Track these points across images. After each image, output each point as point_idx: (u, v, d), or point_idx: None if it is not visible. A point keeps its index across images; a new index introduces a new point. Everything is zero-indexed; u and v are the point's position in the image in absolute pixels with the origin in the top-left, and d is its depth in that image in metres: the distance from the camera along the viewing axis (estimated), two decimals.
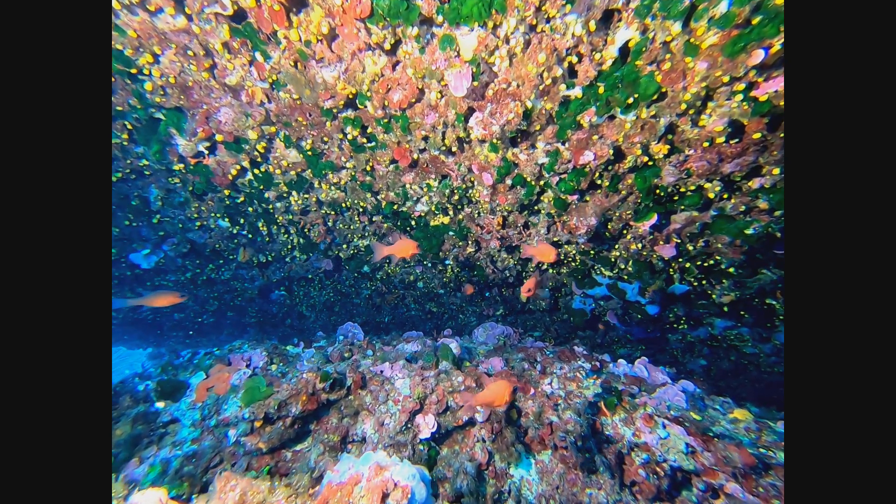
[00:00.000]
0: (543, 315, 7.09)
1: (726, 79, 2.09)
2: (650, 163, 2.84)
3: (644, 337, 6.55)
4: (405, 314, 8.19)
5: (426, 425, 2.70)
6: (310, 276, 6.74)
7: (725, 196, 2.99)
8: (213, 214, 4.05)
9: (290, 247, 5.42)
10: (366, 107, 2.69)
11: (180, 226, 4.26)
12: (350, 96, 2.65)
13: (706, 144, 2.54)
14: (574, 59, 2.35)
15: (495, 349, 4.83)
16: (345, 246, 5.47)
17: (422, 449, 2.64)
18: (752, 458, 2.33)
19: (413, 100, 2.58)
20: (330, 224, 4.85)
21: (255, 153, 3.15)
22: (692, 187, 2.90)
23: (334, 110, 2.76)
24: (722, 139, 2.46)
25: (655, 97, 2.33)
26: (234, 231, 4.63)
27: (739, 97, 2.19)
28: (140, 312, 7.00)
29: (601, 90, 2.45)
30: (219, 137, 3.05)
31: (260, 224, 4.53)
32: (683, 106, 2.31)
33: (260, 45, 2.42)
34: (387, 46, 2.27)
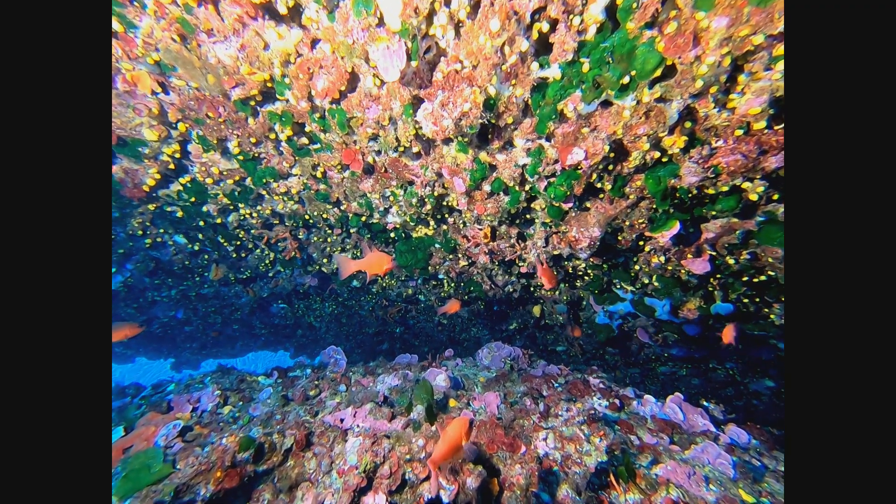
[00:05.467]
0: (564, 329, 6.57)
1: (758, 39, 1.52)
2: (664, 159, 2.29)
3: (688, 355, 5.84)
4: (416, 325, 8.01)
5: None
6: (301, 291, 6.60)
7: (775, 197, 2.38)
8: (161, 231, 3.84)
9: (268, 262, 5.22)
10: (287, 98, 2.30)
11: (130, 244, 4.10)
12: (267, 84, 2.27)
13: (739, 132, 1.96)
14: (544, 26, 1.85)
15: (496, 378, 4.36)
16: (325, 260, 5.19)
17: None
18: None
19: (343, 87, 2.16)
20: (301, 237, 4.56)
21: (165, 158, 2.82)
22: (724, 188, 2.31)
23: (251, 102, 2.38)
24: (762, 124, 1.88)
25: (659, 73, 1.78)
26: (196, 248, 4.43)
27: (782, 65, 1.62)
28: (150, 325, 7.21)
29: (585, 68, 1.93)
30: None
31: (221, 240, 4.30)
32: (699, 83, 1.75)
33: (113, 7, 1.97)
34: (282, 10, 1.85)
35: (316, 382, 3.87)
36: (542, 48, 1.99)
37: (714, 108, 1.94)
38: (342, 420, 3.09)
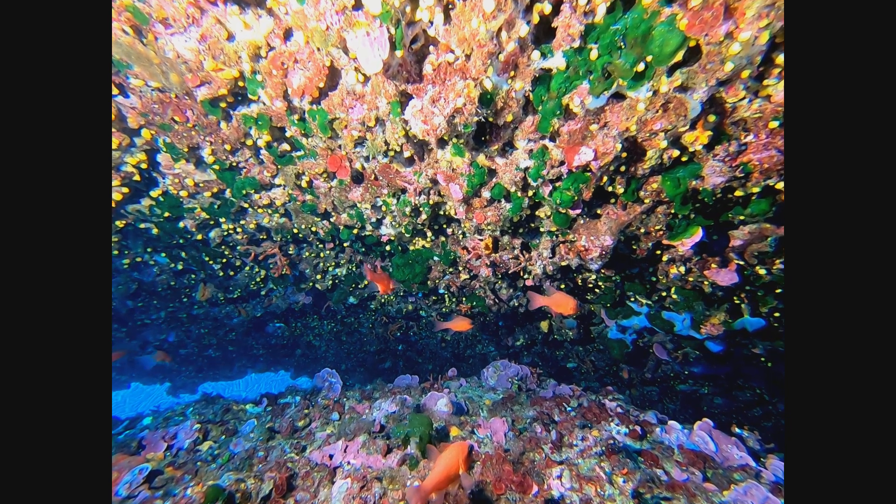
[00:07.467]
0: (574, 345, 6.28)
1: None
2: (684, 158, 2.06)
3: (711, 372, 5.51)
4: (419, 342, 7.80)
5: None
6: (297, 310, 6.41)
7: None
8: (139, 250, 3.65)
9: (259, 280, 5.02)
10: (260, 97, 2.10)
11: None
12: (238, 84, 2.07)
13: (774, 125, 1.73)
14: (546, 7, 1.65)
15: (503, 401, 4.07)
16: (319, 276, 4.98)
17: None
18: None
19: (322, 84, 1.96)
20: (291, 253, 4.36)
21: (130, 169, 2.61)
22: (755, 189, 2.07)
23: (222, 104, 2.19)
24: None
25: (680, 57, 1.57)
26: (180, 267, 4.23)
27: None
28: (143, 349, 7.10)
29: (594, 55, 1.72)
30: None
31: (206, 258, 4.10)
32: (729, 66, 1.53)
33: None
34: None
35: (306, 411, 3.62)
36: (544, 35, 1.79)
37: (744, 97, 1.72)
38: (331, 456, 2.82)
